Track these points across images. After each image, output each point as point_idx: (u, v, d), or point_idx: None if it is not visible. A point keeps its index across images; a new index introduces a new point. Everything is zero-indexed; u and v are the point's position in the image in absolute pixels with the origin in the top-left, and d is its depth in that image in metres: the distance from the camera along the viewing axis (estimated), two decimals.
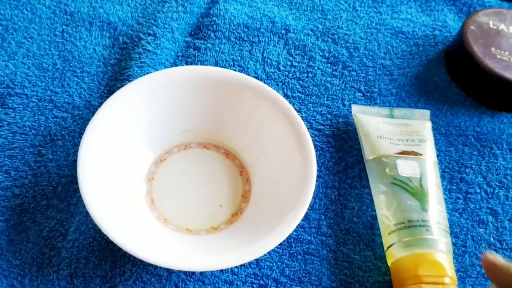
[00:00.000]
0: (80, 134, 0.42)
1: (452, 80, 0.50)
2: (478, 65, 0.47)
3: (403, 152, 0.41)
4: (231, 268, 0.38)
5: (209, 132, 0.42)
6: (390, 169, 0.40)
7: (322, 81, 0.48)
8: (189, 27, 0.50)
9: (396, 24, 0.53)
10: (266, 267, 0.38)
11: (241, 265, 0.38)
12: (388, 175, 0.40)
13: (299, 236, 0.40)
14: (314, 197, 0.41)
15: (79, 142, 0.38)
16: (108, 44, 0.48)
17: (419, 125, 0.44)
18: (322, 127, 0.45)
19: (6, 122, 0.42)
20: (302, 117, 0.45)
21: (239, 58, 0.49)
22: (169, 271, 0.37)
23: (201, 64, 0.48)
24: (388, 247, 0.38)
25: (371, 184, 0.41)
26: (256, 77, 0.47)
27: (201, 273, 0.37)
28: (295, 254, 0.39)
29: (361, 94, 0.48)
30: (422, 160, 0.41)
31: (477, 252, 0.41)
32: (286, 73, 0.48)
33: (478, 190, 0.44)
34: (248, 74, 0.47)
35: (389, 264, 0.38)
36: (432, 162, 0.42)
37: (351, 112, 0.46)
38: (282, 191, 0.38)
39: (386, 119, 0.44)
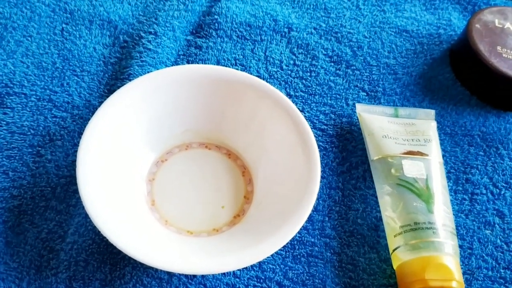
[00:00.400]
0: (80, 134, 0.42)
1: (457, 79, 0.49)
2: (484, 64, 0.46)
3: (409, 152, 0.41)
4: (233, 270, 0.37)
5: (210, 132, 0.42)
6: (396, 169, 0.40)
7: (326, 80, 0.47)
8: (191, 25, 0.49)
9: (400, 22, 0.52)
10: (268, 269, 0.38)
11: (243, 268, 0.37)
12: (394, 176, 0.39)
13: (303, 238, 0.39)
14: (317, 198, 0.41)
15: (79, 142, 0.38)
16: (109, 43, 0.47)
17: (424, 125, 0.43)
18: (325, 127, 0.45)
19: (4, 122, 0.42)
20: (305, 116, 0.44)
21: (241, 57, 0.48)
22: (170, 274, 0.37)
23: (202, 63, 0.47)
24: (394, 250, 0.37)
25: (376, 185, 0.41)
26: (259, 76, 0.47)
27: (203, 276, 0.37)
28: (299, 256, 0.38)
29: (365, 94, 0.47)
30: (428, 161, 0.40)
31: (484, 255, 0.40)
32: (289, 72, 0.48)
33: (484, 191, 0.43)
34: (251, 73, 0.47)
35: (394, 267, 0.37)
36: (438, 162, 0.41)
37: (355, 112, 0.46)
38: (285, 192, 0.37)
39: (391, 119, 0.44)
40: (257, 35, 0.49)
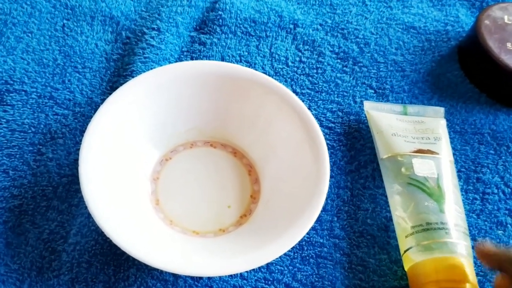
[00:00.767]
0: (82, 132, 0.41)
1: (465, 77, 0.48)
2: (494, 61, 0.45)
3: (419, 151, 0.40)
4: (240, 272, 0.36)
5: (215, 129, 0.41)
6: (406, 168, 0.39)
7: (332, 77, 0.46)
8: (194, 21, 0.48)
9: (407, 19, 0.52)
10: (277, 271, 0.37)
11: (251, 269, 0.36)
12: (404, 175, 0.38)
13: (311, 238, 0.38)
14: (326, 198, 0.39)
15: (81, 140, 0.37)
16: (111, 39, 0.46)
17: (434, 123, 0.43)
18: (333, 125, 0.44)
19: (4, 120, 0.41)
20: (312, 114, 0.43)
21: (246, 53, 0.47)
22: (176, 276, 0.36)
23: (207, 60, 0.46)
24: (405, 251, 0.36)
25: (386, 184, 0.40)
26: (264, 73, 0.45)
27: (209, 278, 0.36)
28: (307, 257, 0.38)
29: (372, 91, 0.46)
30: (439, 159, 0.40)
31: None
32: (295, 69, 0.47)
33: (496, 191, 0.42)
34: (256, 70, 0.46)
35: (405, 269, 0.36)
36: (448, 161, 0.40)
37: (362, 109, 0.45)
38: (293, 192, 0.37)
39: (399, 116, 0.43)
40: (262, 31, 0.48)
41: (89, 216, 0.37)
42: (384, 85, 0.47)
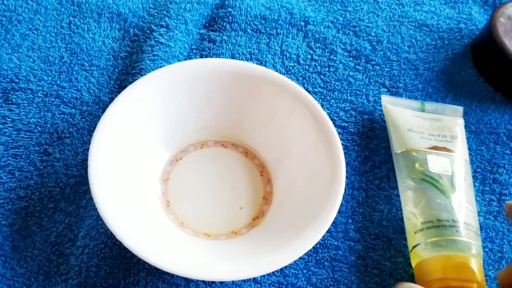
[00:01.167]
0: (89, 131, 0.40)
1: (480, 75, 0.47)
2: (509, 59, 0.45)
3: (434, 148, 0.39)
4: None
5: (227, 129, 0.40)
6: (420, 164, 0.38)
7: (345, 76, 0.45)
8: (204, 18, 0.47)
9: (419, 16, 0.51)
10: (291, 274, 0.36)
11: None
12: (418, 171, 0.38)
13: (326, 241, 0.37)
14: None
15: (88, 140, 0.36)
16: (118, 37, 0.45)
17: (451, 121, 0.42)
18: (346, 124, 0.43)
19: (10, 119, 0.40)
20: None
21: (257, 51, 0.46)
22: (187, 280, 0.35)
23: (216, 58, 0.45)
24: (414, 247, 0.36)
25: (398, 179, 0.39)
26: (275, 71, 0.45)
27: (222, 282, 0.35)
28: (322, 260, 0.37)
29: (386, 90, 0.45)
30: (454, 157, 0.39)
31: None
32: (307, 67, 0.46)
33: None
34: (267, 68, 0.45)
35: (413, 265, 0.36)
36: (463, 160, 0.39)
37: (376, 108, 0.44)
38: (307, 193, 0.36)
39: (417, 113, 0.42)
40: (272, 29, 0.47)
41: (97, 218, 0.36)
42: (397, 83, 0.46)
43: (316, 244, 0.37)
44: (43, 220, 0.36)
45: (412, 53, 0.48)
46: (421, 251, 0.35)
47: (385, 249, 0.37)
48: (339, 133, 0.42)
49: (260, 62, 0.45)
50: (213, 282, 0.35)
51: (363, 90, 0.45)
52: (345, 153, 0.41)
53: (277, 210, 0.37)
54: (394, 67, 0.47)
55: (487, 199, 0.41)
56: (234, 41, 0.46)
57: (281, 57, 0.46)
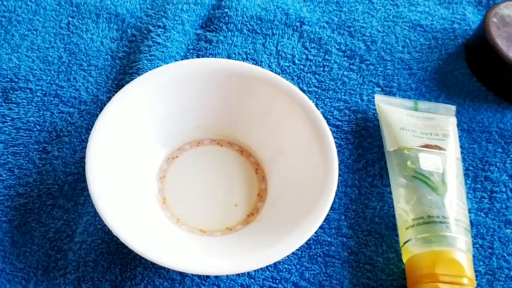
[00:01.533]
0: (87, 130, 0.40)
1: (473, 75, 0.48)
2: (501, 59, 0.45)
3: (426, 146, 0.40)
4: (248, 271, 0.36)
5: (222, 128, 0.40)
6: (412, 162, 0.39)
7: (339, 75, 0.46)
8: (200, 19, 0.48)
9: (413, 17, 0.51)
10: (284, 270, 0.36)
11: (258, 268, 0.36)
12: (410, 168, 0.38)
13: (319, 237, 0.38)
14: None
15: (86, 138, 0.36)
16: (116, 37, 0.46)
17: (444, 120, 0.42)
18: (340, 123, 0.43)
19: (9, 118, 0.40)
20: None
21: (253, 51, 0.47)
22: (183, 275, 0.35)
23: (213, 58, 0.46)
24: (405, 243, 0.36)
25: (391, 177, 0.40)
26: (271, 71, 0.45)
27: (216, 276, 0.36)
28: (315, 256, 0.37)
29: (379, 89, 0.46)
30: (445, 155, 0.39)
31: (505, 254, 0.39)
32: (302, 67, 0.46)
33: (504, 189, 0.42)
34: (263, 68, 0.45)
35: (404, 261, 0.36)
36: (455, 158, 0.40)
37: (370, 107, 0.44)
38: (301, 190, 0.36)
39: (410, 111, 0.43)
40: (268, 29, 0.48)
41: (95, 214, 0.37)
42: (391, 83, 0.46)
43: (309, 240, 0.38)
44: (42, 217, 0.37)
45: (406, 53, 0.49)
46: (412, 246, 0.36)
47: (377, 245, 0.38)
48: (333, 132, 0.43)
49: (256, 62, 0.46)
50: (208, 277, 0.35)
51: (357, 89, 0.46)
52: (338, 151, 0.42)
53: (271, 207, 0.37)
54: (388, 67, 0.47)
55: (479, 197, 0.41)
56: (230, 41, 0.47)
57: (277, 57, 0.47)
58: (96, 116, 0.41)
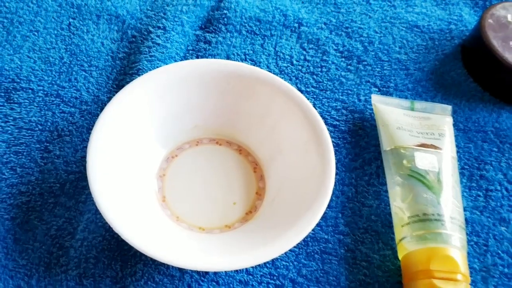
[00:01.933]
0: (88, 129, 0.41)
1: (469, 75, 0.49)
2: (497, 59, 0.46)
3: (422, 145, 0.40)
4: (246, 268, 0.36)
5: (221, 127, 0.41)
6: (408, 160, 0.39)
7: (337, 76, 0.47)
8: (199, 20, 0.49)
9: (410, 18, 0.52)
10: (282, 266, 0.37)
11: (256, 265, 0.37)
12: (406, 167, 0.39)
13: (316, 234, 0.39)
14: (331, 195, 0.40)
15: (87, 138, 0.37)
16: (117, 38, 0.46)
17: (440, 120, 0.43)
18: (337, 123, 0.44)
19: (11, 118, 0.41)
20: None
21: (251, 52, 0.47)
22: (182, 271, 0.36)
23: (212, 58, 0.46)
24: (401, 240, 0.37)
25: (387, 176, 0.40)
26: (269, 72, 0.46)
27: (215, 273, 0.36)
28: (312, 253, 0.38)
29: (376, 89, 0.46)
30: (441, 154, 0.40)
31: (499, 251, 0.39)
32: (300, 67, 0.47)
33: (499, 188, 0.42)
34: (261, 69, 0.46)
35: (399, 258, 0.37)
36: (451, 157, 0.40)
37: (367, 107, 0.45)
38: (298, 189, 0.37)
39: (406, 111, 0.43)
40: (267, 30, 0.49)
41: (96, 212, 0.37)
42: (388, 83, 0.47)
43: (307, 238, 0.38)
44: (44, 214, 0.37)
45: (403, 54, 0.49)
46: (407, 243, 0.36)
47: (373, 243, 0.39)
48: (330, 131, 0.43)
49: (255, 63, 0.47)
50: (207, 273, 0.36)
51: (355, 89, 0.46)
52: (336, 150, 0.42)
53: (269, 205, 0.38)
54: (385, 67, 0.48)
55: (474, 195, 0.42)
56: (229, 42, 0.47)
57: (275, 57, 0.47)
58: (97, 116, 0.42)
